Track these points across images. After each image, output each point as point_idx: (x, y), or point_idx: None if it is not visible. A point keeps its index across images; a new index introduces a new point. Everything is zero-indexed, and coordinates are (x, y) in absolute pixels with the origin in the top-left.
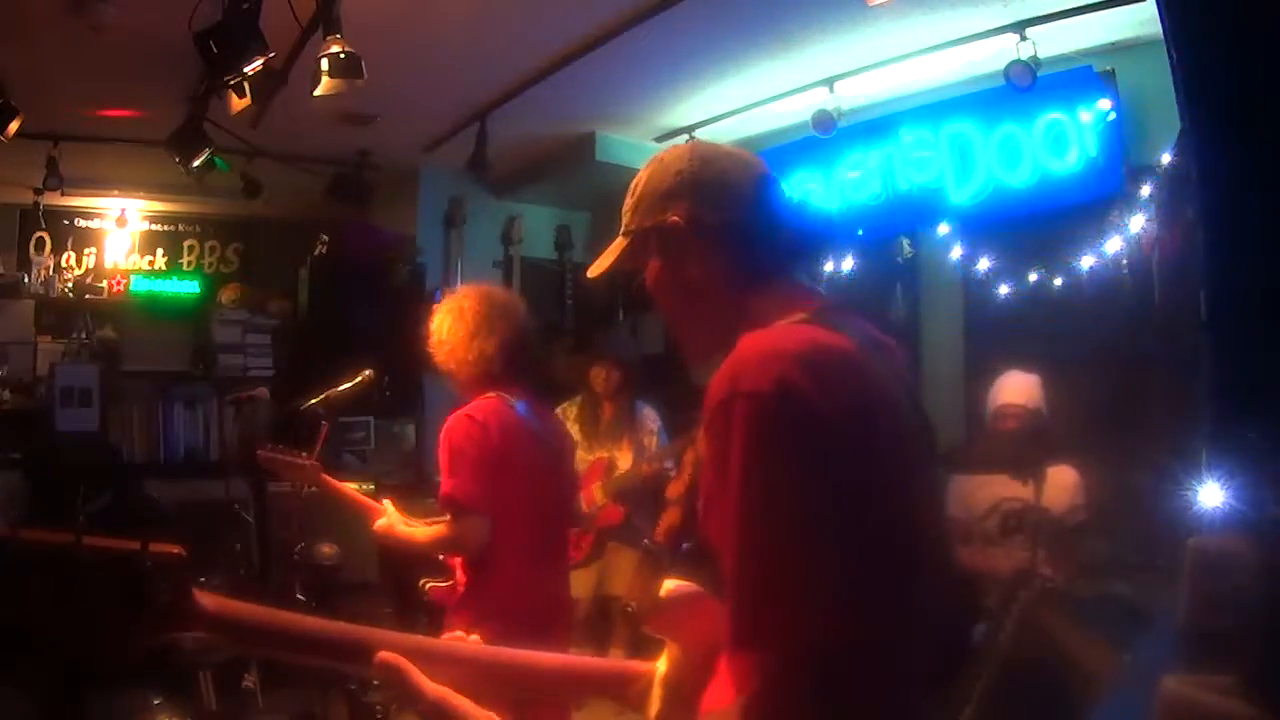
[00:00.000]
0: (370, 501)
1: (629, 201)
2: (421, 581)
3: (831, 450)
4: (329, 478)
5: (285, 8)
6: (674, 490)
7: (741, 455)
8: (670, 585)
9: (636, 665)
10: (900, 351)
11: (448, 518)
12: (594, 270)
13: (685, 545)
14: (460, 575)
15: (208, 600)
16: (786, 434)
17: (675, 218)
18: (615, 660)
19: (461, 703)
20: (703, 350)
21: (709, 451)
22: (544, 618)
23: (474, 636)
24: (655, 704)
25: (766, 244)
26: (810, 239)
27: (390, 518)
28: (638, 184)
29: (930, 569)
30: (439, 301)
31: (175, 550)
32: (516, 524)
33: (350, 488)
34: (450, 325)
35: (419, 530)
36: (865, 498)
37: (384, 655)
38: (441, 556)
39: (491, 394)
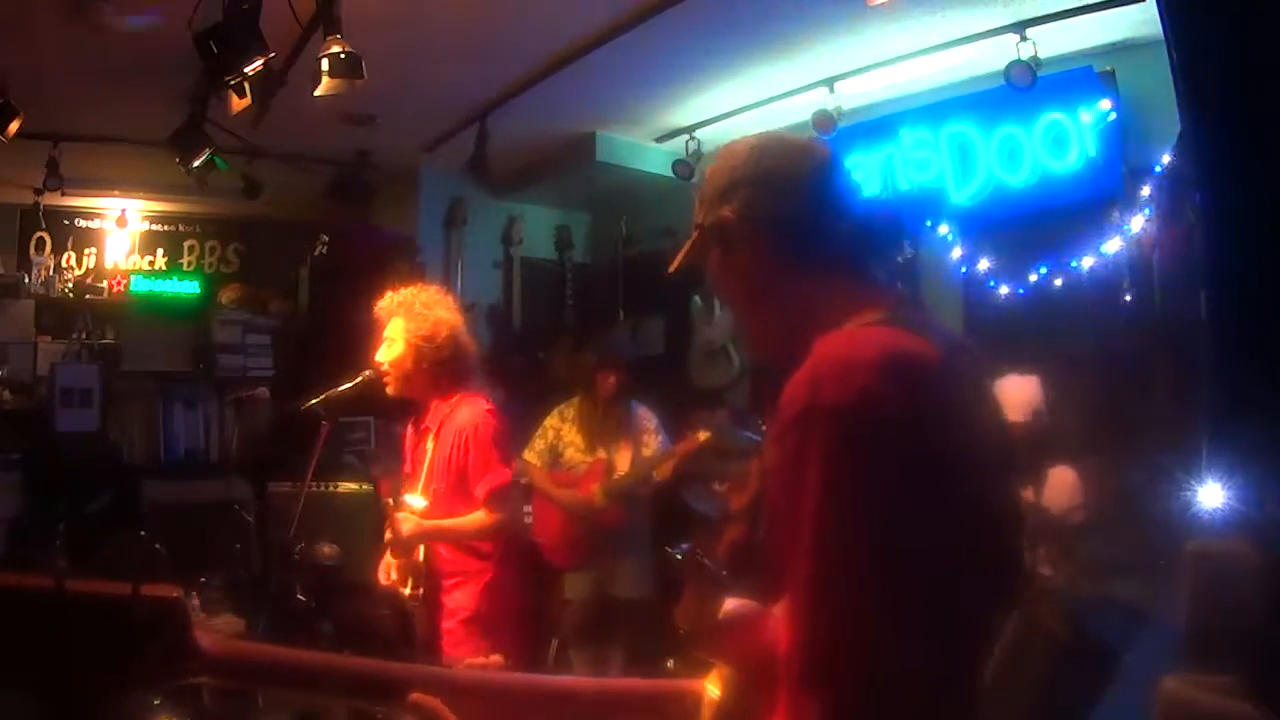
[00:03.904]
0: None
1: (697, 196)
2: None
3: (916, 470)
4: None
5: (285, 8)
6: (737, 502)
7: (820, 476)
8: (729, 606)
9: (676, 684)
10: (979, 355)
11: (499, 504)
12: (673, 266)
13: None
14: (477, 566)
15: (210, 641)
16: (870, 454)
17: (728, 212)
18: (652, 680)
19: None
20: (768, 345)
21: (780, 462)
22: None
23: (494, 656)
24: None
25: (825, 236)
26: (876, 230)
27: (410, 519)
28: (704, 178)
29: (1001, 588)
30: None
31: (172, 592)
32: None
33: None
34: (458, 320)
35: (461, 520)
36: (948, 523)
37: (417, 697)
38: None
39: (473, 392)
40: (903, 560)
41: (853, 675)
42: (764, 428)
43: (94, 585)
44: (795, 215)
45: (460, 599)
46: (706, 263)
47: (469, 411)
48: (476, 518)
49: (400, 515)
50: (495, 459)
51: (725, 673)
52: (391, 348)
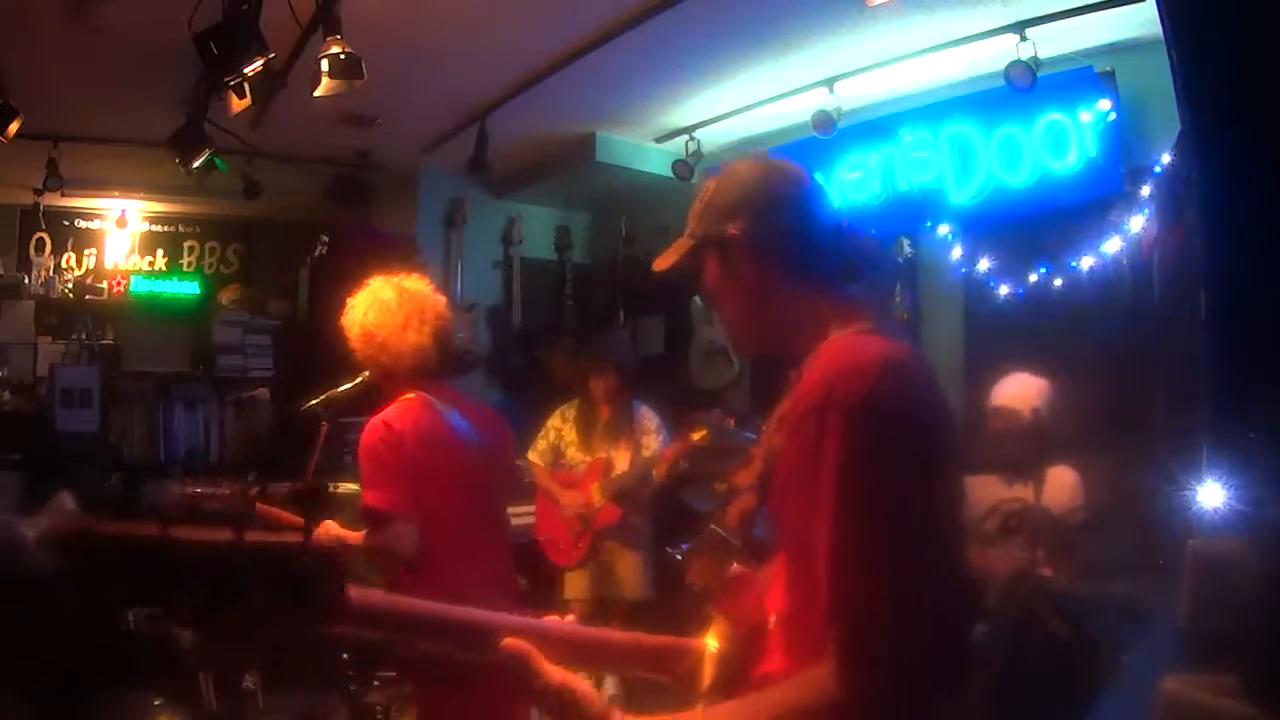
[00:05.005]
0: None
1: (697, 207)
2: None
3: (918, 456)
4: (266, 507)
5: (285, 8)
6: (744, 479)
7: (838, 463)
8: (738, 568)
9: (683, 640)
10: (930, 361)
11: (369, 528)
12: (658, 265)
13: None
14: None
15: (353, 592)
16: (881, 443)
17: (735, 230)
18: (670, 638)
19: (583, 688)
20: (754, 347)
21: (795, 451)
22: None
23: (569, 617)
24: (708, 677)
25: (819, 256)
26: (860, 249)
27: (328, 525)
28: (707, 192)
29: (966, 565)
30: (354, 292)
31: (333, 545)
32: (447, 528)
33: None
34: (378, 316)
35: (354, 534)
36: (942, 500)
37: (510, 642)
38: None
39: (412, 394)
40: (908, 530)
41: (867, 625)
42: (765, 423)
43: (269, 537)
44: (793, 238)
45: None
46: (703, 269)
47: (367, 424)
48: (360, 535)
49: (326, 522)
50: (366, 477)
51: (723, 626)
52: None
